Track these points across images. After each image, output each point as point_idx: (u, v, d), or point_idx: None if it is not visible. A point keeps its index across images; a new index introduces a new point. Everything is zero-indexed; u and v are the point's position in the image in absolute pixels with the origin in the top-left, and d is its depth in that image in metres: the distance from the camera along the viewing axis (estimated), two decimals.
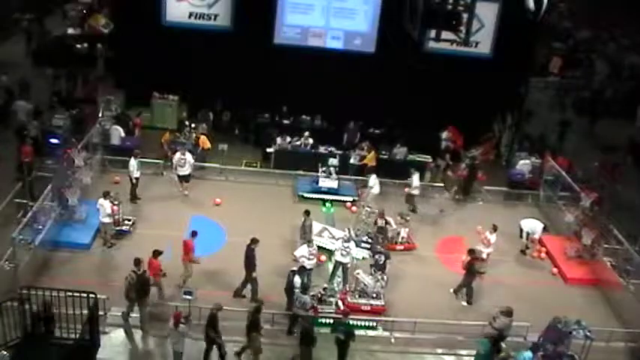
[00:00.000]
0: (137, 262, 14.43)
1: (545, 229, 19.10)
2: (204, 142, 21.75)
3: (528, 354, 13.89)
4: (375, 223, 18.19)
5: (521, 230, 19.10)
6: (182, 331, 13.42)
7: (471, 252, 16.69)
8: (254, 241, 15.64)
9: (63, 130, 20.73)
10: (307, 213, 17.47)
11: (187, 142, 21.65)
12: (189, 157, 19.73)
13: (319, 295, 15.48)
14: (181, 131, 22.19)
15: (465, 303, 16.62)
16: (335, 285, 16.19)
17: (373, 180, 20.06)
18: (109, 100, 23.02)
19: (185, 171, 19.72)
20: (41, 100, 24.02)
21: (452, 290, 16.80)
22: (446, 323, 15.30)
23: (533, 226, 19.03)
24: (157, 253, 15.04)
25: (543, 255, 19.03)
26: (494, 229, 17.61)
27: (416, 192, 20.56)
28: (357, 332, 15.09)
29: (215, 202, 19.76)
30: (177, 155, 19.69)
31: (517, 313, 14.96)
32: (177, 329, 13.34)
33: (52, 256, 16.53)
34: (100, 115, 22.34)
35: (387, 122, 24.14)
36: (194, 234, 15.90)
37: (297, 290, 14.79)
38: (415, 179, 20.52)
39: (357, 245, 17.62)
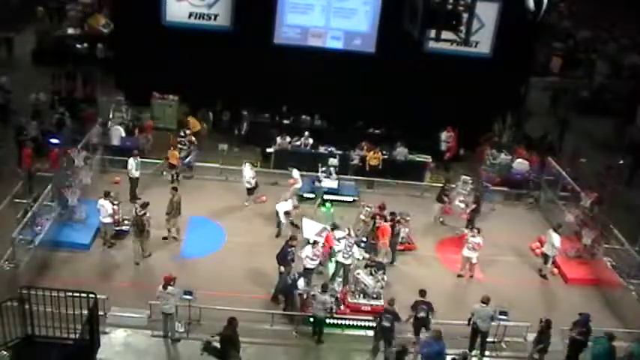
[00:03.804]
0: (144, 205, 16.57)
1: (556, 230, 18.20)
2: (194, 124, 22.05)
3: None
4: (373, 218, 18.08)
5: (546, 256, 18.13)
6: (171, 292, 13.81)
7: (393, 214, 17.78)
8: (292, 238, 15.86)
9: (64, 130, 20.76)
10: (175, 189, 17.83)
11: (193, 148, 21.41)
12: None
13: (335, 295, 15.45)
14: (180, 143, 21.39)
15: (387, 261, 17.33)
16: (335, 285, 16.17)
17: (296, 173, 20.03)
18: (120, 101, 23.09)
19: (254, 183, 19.87)
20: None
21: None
22: (445, 323, 15.29)
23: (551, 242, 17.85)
24: (334, 227, 17.07)
25: (538, 251, 18.85)
26: (478, 231, 17.50)
27: (298, 185, 19.98)
28: (358, 332, 15.22)
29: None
30: (250, 171, 19.74)
31: (517, 314, 14.97)
32: (165, 290, 13.77)
33: (52, 256, 16.53)
34: (111, 116, 22.45)
35: (386, 122, 24.11)
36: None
37: (317, 291, 14.77)
38: (295, 174, 20.04)
39: (357, 245, 17.71)
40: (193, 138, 21.34)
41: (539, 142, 24.88)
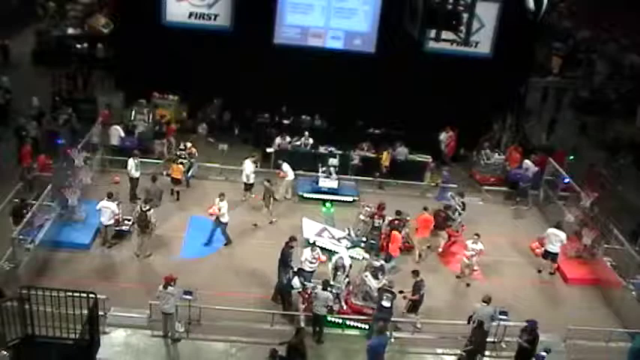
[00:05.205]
0: (147, 200, 17.12)
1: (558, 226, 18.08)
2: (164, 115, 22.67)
3: None
4: (372, 217, 18.07)
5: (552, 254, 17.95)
6: (171, 292, 13.81)
7: (398, 213, 17.84)
8: (291, 239, 15.81)
9: (64, 131, 20.77)
10: (154, 179, 18.34)
11: (194, 160, 21.07)
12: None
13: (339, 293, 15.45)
14: (181, 157, 20.74)
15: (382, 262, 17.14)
16: (338, 285, 16.10)
17: (286, 166, 20.10)
18: (141, 104, 23.16)
19: (252, 179, 19.85)
20: (41, 100, 23.99)
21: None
22: (445, 323, 15.31)
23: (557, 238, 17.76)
24: (425, 210, 18.07)
25: (538, 251, 18.81)
26: (478, 237, 17.27)
27: (289, 177, 20.24)
28: (358, 333, 15.21)
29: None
30: (251, 166, 19.71)
31: (517, 314, 14.97)
32: (165, 290, 13.79)
33: (52, 256, 16.53)
34: (132, 118, 22.58)
35: (386, 122, 24.08)
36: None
37: (317, 288, 14.73)
38: (285, 167, 20.12)
39: (356, 245, 17.79)
40: (194, 150, 20.95)
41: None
